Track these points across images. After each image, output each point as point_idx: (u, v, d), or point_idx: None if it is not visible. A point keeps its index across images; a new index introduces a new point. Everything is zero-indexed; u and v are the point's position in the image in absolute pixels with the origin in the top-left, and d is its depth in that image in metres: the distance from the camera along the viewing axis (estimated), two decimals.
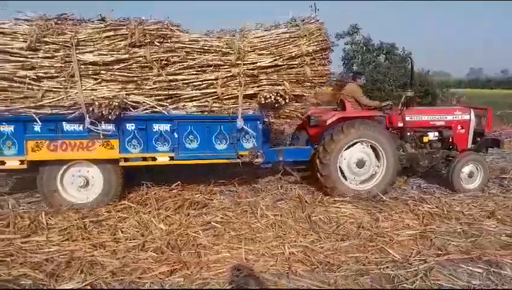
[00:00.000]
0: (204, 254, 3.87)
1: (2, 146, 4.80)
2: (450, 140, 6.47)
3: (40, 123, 4.74)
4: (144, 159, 5.12)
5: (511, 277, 3.49)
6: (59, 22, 4.85)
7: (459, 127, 6.47)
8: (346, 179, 5.81)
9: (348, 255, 3.92)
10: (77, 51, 4.71)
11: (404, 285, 3.35)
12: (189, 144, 5.18)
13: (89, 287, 3.16)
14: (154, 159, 5.13)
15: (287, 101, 5.17)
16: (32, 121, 4.74)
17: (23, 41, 4.64)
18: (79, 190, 5.16)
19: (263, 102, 5.10)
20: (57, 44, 4.71)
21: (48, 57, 4.71)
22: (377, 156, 5.88)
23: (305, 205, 5.25)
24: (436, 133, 6.39)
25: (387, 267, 3.67)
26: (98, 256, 3.72)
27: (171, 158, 5.15)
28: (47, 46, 4.70)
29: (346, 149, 5.75)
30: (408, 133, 6.33)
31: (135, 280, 3.31)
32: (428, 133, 6.35)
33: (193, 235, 4.23)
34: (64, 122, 4.86)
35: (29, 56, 4.66)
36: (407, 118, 6.31)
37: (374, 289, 3.33)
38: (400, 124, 6.30)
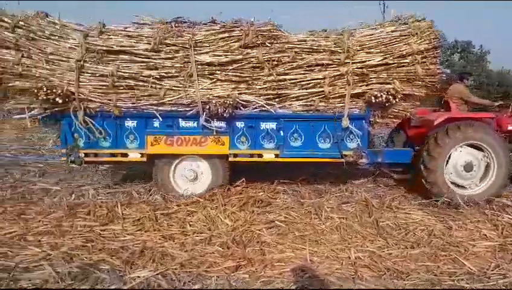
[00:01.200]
0: (269, 251, 3.90)
1: (125, 139, 5.27)
2: None
3: (160, 119, 5.14)
4: (251, 155, 5.36)
5: None
6: (176, 24, 5.18)
7: None
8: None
9: (418, 264, 3.74)
10: (195, 52, 4.99)
11: None
12: (294, 142, 5.34)
13: (160, 277, 3.33)
14: (260, 155, 5.37)
15: (397, 100, 5.11)
16: (152, 117, 5.16)
17: (147, 43, 5.00)
18: (189, 182, 5.53)
19: (373, 101, 5.06)
20: (176, 45, 5.04)
21: (169, 58, 5.05)
22: (487, 165, 5.53)
23: (372, 210, 5.09)
24: None
25: (461, 279, 3.45)
26: (168, 247, 3.91)
27: (276, 155, 5.36)
28: (168, 48, 5.04)
29: (454, 152, 5.48)
30: None
31: (202, 273, 3.42)
32: None
33: (257, 232, 4.29)
34: (180, 119, 5.23)
35: (152, 57, 5.02)
36: None
37: None
38: (510, 128, 5.92)
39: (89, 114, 5.08)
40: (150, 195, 5.61)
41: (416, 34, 5.14)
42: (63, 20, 5.09)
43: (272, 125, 5.26)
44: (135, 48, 4.98)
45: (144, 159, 5.31)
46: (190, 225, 4.50)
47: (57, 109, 5.00)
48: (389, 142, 6.73)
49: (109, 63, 4.98)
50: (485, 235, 4.44)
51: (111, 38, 5.02)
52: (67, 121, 5.12)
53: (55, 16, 5.14)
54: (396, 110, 5.36)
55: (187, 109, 5.11)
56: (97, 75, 4.99)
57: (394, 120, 5.60)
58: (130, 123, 5.21)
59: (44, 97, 4.78)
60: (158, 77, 5.01)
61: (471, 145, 5.48)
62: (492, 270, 3.61)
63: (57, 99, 4.81)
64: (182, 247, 3.96)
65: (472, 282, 3.41)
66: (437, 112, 6.14)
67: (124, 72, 4.97)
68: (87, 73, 4.99)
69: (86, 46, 4.91)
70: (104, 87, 5.01)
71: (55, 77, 4.95)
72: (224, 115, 4.92)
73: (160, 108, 5.09)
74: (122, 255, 3.73)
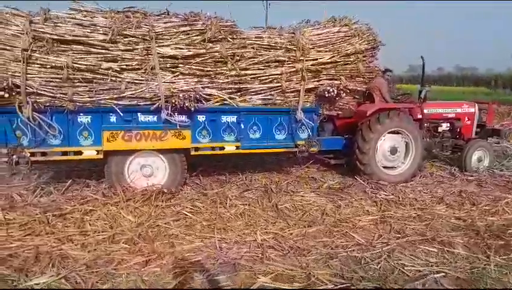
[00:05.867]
0: (178, 243, 3.88)
1: (79, 136, 4.81)
2: (458, 130, 7.23)
3: (118, 114, 4.81)
4: (213, 148, 5.39)
5: (463, 255, 3.84)
6: (133, 15, 4.94)
7: (466, 119, 7.23)
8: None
9: (316, 240, 4.11)
10: (156, 44, 4.79)
11: (371, 266, 3.58)
12: (253, 134, 5.55)
13: (63, 281, 3.07)
14: (222, 148, 5.43)
15: (346, 94, 5.67)
16: (108, 112, 4.81)
17: (103, 33, 4.64)
18: (144, 179, 5.26)
19: (326, 95, 5.52)
20: (136, 37, 4.79)
21: (128, 50, 4.78)
22: (406, 147, 6.40)
23: (271, 195, 5.40)
24: (448, 124, 7.16)
25: (353, 250, 3.90)
26: (67, 250, 3.61)
27: (237, 147, 5.49)
28: (126, 39, 4.75)
29: (383, 137, 6.22)
30: (425, 124, 6.90)
31: (111, 272, 3.26)
32: (442, 124, 7.11)
33: (164, 226, 4.22)
34: (139, 113, 4.97)
35: (110, 48, 4.67)
36: (426, 111, 6.90)
37: None
38: (419, 116, 6.81)
39: (36, 109, 4.54)
40: (35, 197, 5.07)
41: (358, 35, 5.79)
42: None
43: (232, 118, 5.40)
44: (91, 39, 4.60)
45: (101, 156, 4.95)
46: (90, 225, 4.21)
47: None
48: (320, 132, 7.16)
49: (61, 54, 4.53)
50: (368, 210, 5.07)
51: (59, 26, 4.56)
52: (8, 117, 4.51)
53: None
54: (341, 104, 5.94)
55: (148, 103, 4.91)
56: (48, 66, 4.51)
57: (339, 112, 6.14)
58: (84, 119, 4.81)
59: None
60: (118, 69, 4.72)
61: (392, 132, 6.29)
62: (376, 240, 4.16)
63: (2, 93, 4.27)
64: (83, 248, 3.69)
65: (362, 251, 3.88)
66: (364, 104, 6.72)
67: (80, 64, 4.56)
68: (36, 64, 4.49)
69: (33, 33, 4.38)
70: (58, 80, 4.54)
71: None
72: (190, 108, 4.85)
73: (120, 102, 4.80)
74: (13, 263, 3.34)
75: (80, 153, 4.89)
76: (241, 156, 6.38)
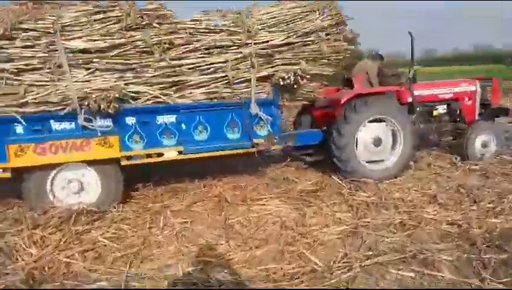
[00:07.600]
0: (74, 286, 3.01)
1: None
2: (458, 112, 6.23)
3: (23, 124, 4.04)
4: (149, 155, 4.55)
5: (448, 280, 2.85)
6: (34, 5, 4.18)
7: (466, 99, 6.23)
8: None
9: (259, 268, 3.18)
10: (63, 38, 4.02)
11: None
12: (198, 135, 4.67)
13: None
14: (160, 155, 4.59)
15: (305, 81, 4.75)
16: (12, 121, 4.03)
17: None
18: (73, 196, 4.46)
19: (281, 83, 4.63)
20: (37, 31, 4.02)
21: (28, 46, 4.01)
22: (394, 136, 5.44)
23: (224, 206, 4.50)
24: (445, 106, 6.19)
25: (302, 281, 2.95)
26: None
27: (180, 152, 4.63)
28: (25, 34, 3.99)
29: (362, 127, 5.30)
30: (417, 108, 5.92)
31: None
32: (437, 107, 6.14)
33: (65, 261, 3.34)
34: (52, 121, 4.17)
35: (4, 46, 3.94)
36: (416, 93, 5.91)
37: None
38: (409, 99, 5.86)
39: None
40: None
41: (318, 10, 4.88)
42: None
43: (170, 118, 4.53)
44: None
45: (8, 174, 4.16)
46: None
47: None
48: (296, 125, 6.47)
49: None
50: (339, 218, 4.13)
51: None
52: None
53: None
54: (304, 92, 5.03)
55: (58, 107, 4.12)
56: None
57: (303, 102, 5.31)
58: None
59: None
60: (15, 70, 3.96)
61: (373, 120, 5.35)
62: (338, 263, 3.20)
63: None
64: None
65: (314, 281, 2.93)
66: (342, 91, 5.96)
67: None
68: None
69: None
70: None
71: None
72: (110, 111, 4.05)
73: (23, 109, 4.02)
74: None
75: None
76: (213, 159, 5.46)
